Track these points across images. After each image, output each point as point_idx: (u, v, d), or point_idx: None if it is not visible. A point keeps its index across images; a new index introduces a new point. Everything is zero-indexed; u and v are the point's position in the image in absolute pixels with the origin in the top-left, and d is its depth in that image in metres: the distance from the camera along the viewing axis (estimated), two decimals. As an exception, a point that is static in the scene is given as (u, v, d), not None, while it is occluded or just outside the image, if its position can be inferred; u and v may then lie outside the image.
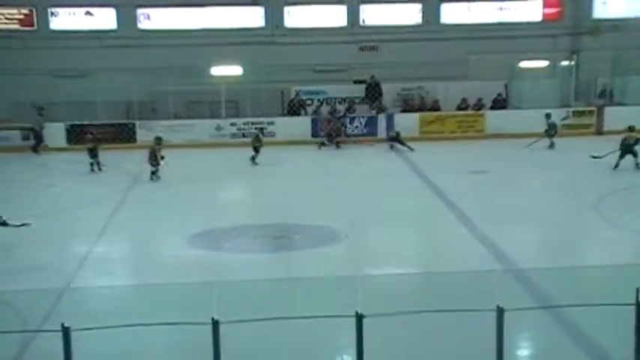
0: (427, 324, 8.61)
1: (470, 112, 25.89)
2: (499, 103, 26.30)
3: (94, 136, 21.71)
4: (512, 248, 13.23)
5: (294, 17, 27.65)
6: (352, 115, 25.78)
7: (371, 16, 27.69)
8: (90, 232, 14.40)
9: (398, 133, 24.08)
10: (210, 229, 14.91)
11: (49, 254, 13.23)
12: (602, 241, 14.52)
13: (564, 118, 25.48)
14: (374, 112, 26.06)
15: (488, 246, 13.52)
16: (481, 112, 25.82)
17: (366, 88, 26.55)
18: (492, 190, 18.32)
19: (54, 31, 27.11)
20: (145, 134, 24.96)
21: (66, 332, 6.86)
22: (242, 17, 27.48)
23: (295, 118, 25.80)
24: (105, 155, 21.00)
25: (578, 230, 15.05)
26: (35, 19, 27.27)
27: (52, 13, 27.28)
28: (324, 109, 26.36)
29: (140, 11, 27.34)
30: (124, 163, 20.47)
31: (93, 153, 20.76)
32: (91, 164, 20.68)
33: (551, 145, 23.10)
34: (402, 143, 23.55)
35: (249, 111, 26.17)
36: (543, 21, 27.89)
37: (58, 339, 6.90)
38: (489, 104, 26.22)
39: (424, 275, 11.94)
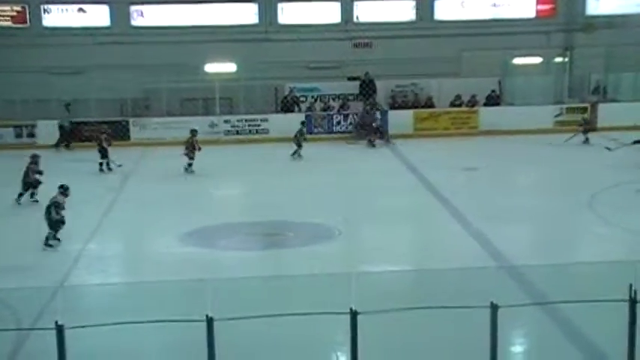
0: (421, 321, 8.63)
1: (463, 108, 25.91)
2: (493, 100, 26.32)
3: (108, 135, 21.56)
4: (506, 245, 13.27)
5: (288, 14, 27.61)
6: (346, 112, 25.77)
7: (365, 12, 27.66)
8: (83, 230, 14.38)
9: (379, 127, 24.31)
10: (204, 226, 14.90)
11: (42, 252, 13.20)
12: (595, 237, 14.58)
13: (558, 115, 25.50)
14: (368, 108, 26.05)
15: (482, 243, 13.55)
16: (475, 108, 25.83)
17: (360, 85, 26.55)
18: (486, 186, 18.34)
19: (47, 28, 27.01)
20: (138, 132, 24.92)
21: (60, 330, 6.85)
22: (236, 14, 27.42)
23: (289, 115, 25.76)
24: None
25: (572, 227, 15.10)
26: (28, 16, 27.15)
27: (45, 10, 27.17)
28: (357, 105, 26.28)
29: (134, 8, 27.26)
30: (117, 160, 20.40)
31: (104, 153, 20.57)
32: (100, 164, 20.45)
33: (586, 141, 23.10)
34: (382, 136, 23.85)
35: (243, 108, 26.13)
36: (537, 17, 27.90)
37: (52, 337, 6.90)
38: (483, 101, 26.23)
39: (418, 272, 11.97)
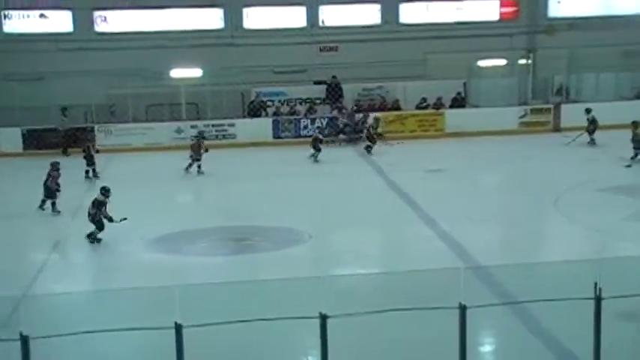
0: (391, 323, 8.65)
1: (430, 111, 26.07)
2: (458, 102, 26.53)
3: (92, 144, 21.36)
4: (474, 245, 13.37)
5: (254, 18, 27.56)
6: (313, 116, 25.79)
7: (330, 16, 27.71)
8: (48, 238, 14.20)
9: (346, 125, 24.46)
10: (171, 232, 14.81)
11: (5, 261, 13.01)
12: (560, 237, 14.78)
13: (522, 116, 25.77)
14: (335, 112, 26.10)
15: (450, 244, 13.65)
16: (441, 111, 26.01)
17: (327, 89, 26.60)
18: (453, 188, 18.46)
19: (8, 34, 26.64)
20: (104, 138, 24.67)
21: (25, 341, 6.75)
22: (201, 19, 27.29)
23: (256, 120, 25.71)
24: (63, 160, 20.69)
25: (537, 227, 15.27)
26: (-13, 23, 26.77)
27: (5, 16, 26.79)
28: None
29: (97, 14, 26.99)
30: (83, 167, 20.18)
31: (90, 160, 20.34)
32: (87, 172, 20.20)
33: (592, 142, 22.98)
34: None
35: (210, 113, 26.03)
36: (500, 20, 28.17)
37: (16, 348, 6.78)
38: (449, 103, 26.42)
39: (387, 274, 12.00)
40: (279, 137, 25.15)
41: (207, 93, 25.59)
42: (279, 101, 26.69)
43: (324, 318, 7.18)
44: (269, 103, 26.56)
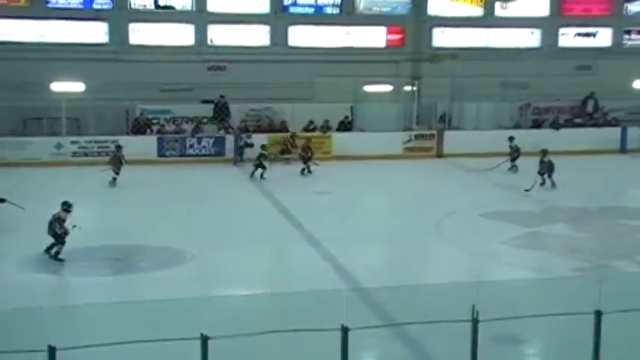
0: (273, 344, 8.56)
1: (317, 133, 26.28)
2: (345, 126, 26.86)
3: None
4: (357, 267, 13.49)
5: (140, 34, 27.04)
6: (199, 135, 25.48)
7: (219, 35, 27.57)
8: None
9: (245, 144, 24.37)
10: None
11: None
12: (440, 259, 15.12)
13: (407, 141, 26.35)
14: (222, 132, 25.90)
15: (334, 265, 13.71)
16: (328, 133, 26.26)
17: (214, 108, 26.38)
18: (338, 210, 18.61)
19: None
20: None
21: None
22: (85, 32, 26.54)
23: (140, 137, 25.15)
24: None
25: (419, 249, 15.56)
26: None
27: None
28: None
29: (-26, 23, 25.85)
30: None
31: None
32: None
33: (512, 168, 23.34)
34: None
35: (93, 129, 25.26)
36: (387, 47, 28.83)
37: None
38: (336, 126, 26.71)
39: (271, 295, 11.92)
40: (164, 155, 24.69)
41: (90, 108, 24.84)
42: (165, 119, 26.23)
43: (205, 339, 7.02)
44: (154, 121, 26.05)
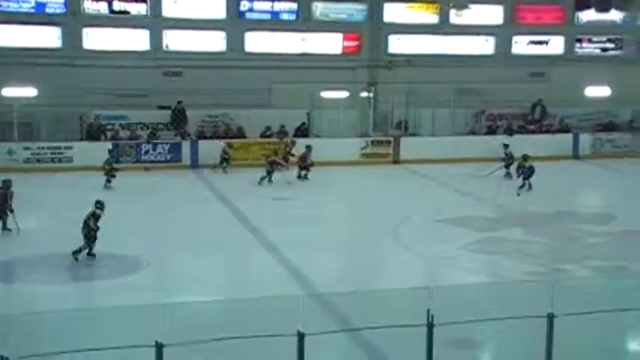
0: (230, 351, 8.51)
1: (274, 139, 26.24)
2: (302, 132, 26.86)
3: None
4: (314, 273, 13.51)
5: (94, 39, 26.71)
6: (155, 141, 25.24)
7: (175, 41, 27.39)
8: None
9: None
10: (2, 260, 13.94)
11: None
12: (396, 265, 15.20)
13: (364, 148, 26.46)
14: (178, 138, 25.71)
15: (292, 271, 13.71)
16: (285, 139, 26.21)
17: (172, 114, 26.19)
18: (295, 216, 18.60)
19: None
20: None
21: None
22: (37, 37, 26.15)
23: (94, 144, 24.83)
24: None
25: (376, 255, 15.65)
26: None
27: None
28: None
29: None
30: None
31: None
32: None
33: (507, 175, 23.37)
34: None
35: (46, 135, 24.85)
36: (343, 54, 28.95)
37: None
38: (293, 132, 26.69)
39: (228, 302, 11.85)
40: (119, 162, 24.40)
41: (43, 114, 24.46)
42: (120, 125, 25.94)
43: (160, 347, 6.96)
44: (109, 127, 25.74)
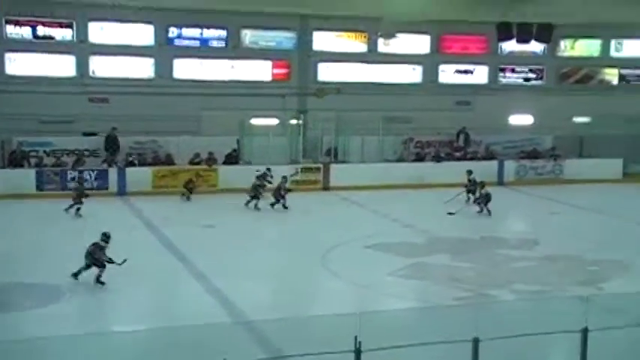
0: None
1: (203, 166, 26.04)
2: (232, 159, 26.74)
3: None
4: (243, 301, 13.38)
5: (17, 65, 26.12)
6: (80, 168, 24.73)
7: (101, 67, 26.99)
8: None
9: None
10: None
11: None
12: (326, 292, 15.20)
13: (293, 175, 26.47)
14: (105, 165, 25.26)
15: (220, 299, 13.55)
16: (214, 167, 26.06)
17: (106, 140, 25.75)
18: (224, 243, 18.44)
19: None
20: None
21: None
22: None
23: (17, 170, 24.20)
24: None
25: (305, 282, 15.61)
26: None
27: None
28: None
29: None
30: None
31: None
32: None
33: (469, 200, 23.44)
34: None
35: (-35, 162, 24.13)
36: (273, 81, 29.01)
37: None
38: (222, 159, 26.55)
39: (154, 331, 11.61)
40: (43, 189, 23.81)
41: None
42: (45, 152, 25.34)
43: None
44: (32, 153, 25.12)
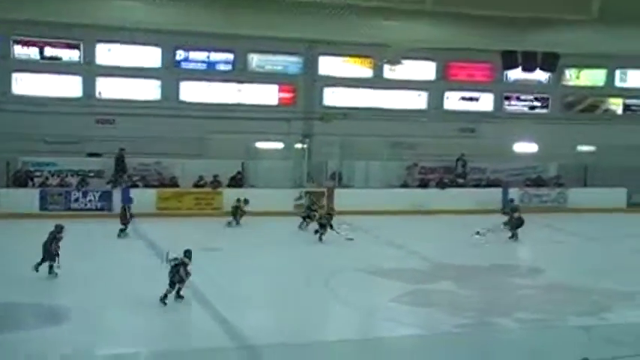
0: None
1: (207, 189, 26.05)
2: (236, 182, 26.76)
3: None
4: (247, 326, 13.28)
5: (24, 85, 26.30)
6: (85, 189, 24.75)
7: (108, 88, 27.14)
8: None
9: None
10: None
11: None
12: (331, 317, 15.09)
13: (298, 199, 26.46)
14: (110, 186, 25.28)
15: (223, 324, 13.46)
16: (218, 189, 26.07)
17: (116, 162, 25.81)
18: (228, 267, 18.37)
19: None
20: None
21: None
22: (-36, 81, 25.65)
23: (21, 190, 24.24)
24: None
25: (308, 307, 15.47)
26: None
27: None
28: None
29: None
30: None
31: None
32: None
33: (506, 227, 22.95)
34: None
35: (-30, 181, 24.17)
36: (279, 105, 29.14)
37: None
38: (227, 182, 26.56)
39: (155, 354, 11.55)
40: (47, 209, 23.82)
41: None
42: (49, 172, 25.37)
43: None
44: (37, 174, 25.16)
